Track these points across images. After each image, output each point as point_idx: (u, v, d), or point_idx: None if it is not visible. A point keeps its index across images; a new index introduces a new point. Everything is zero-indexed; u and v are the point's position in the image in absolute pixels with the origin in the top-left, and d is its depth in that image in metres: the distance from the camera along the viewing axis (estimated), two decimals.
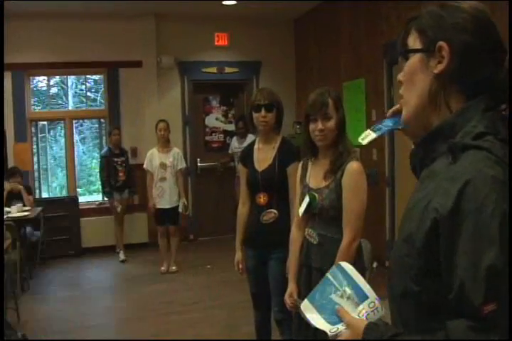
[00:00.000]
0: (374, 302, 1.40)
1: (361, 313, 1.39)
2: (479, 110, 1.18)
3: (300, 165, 3.01)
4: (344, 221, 2.71)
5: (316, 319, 1.50)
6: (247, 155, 3.59)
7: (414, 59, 1.27)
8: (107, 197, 7.61)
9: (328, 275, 1.59)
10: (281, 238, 3.33)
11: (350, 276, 1.52)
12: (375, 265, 5.96)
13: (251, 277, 3.63)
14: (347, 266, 1.57)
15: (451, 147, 1.15)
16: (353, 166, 2.73)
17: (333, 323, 1.42)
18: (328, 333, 1.39)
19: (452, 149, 1.14)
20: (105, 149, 7.60)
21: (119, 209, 7.48)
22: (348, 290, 1.47)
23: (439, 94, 1.23)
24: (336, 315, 1.42)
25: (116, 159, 7.45)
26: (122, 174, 7.45)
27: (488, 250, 1.03)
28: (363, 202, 2.73)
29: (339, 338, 1.34)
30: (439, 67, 1.21)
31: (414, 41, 1.28)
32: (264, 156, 3.48)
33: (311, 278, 2.77)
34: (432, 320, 1.13)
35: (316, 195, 2.79)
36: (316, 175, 2.86)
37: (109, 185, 7.45)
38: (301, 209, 2.86)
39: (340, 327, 1.37)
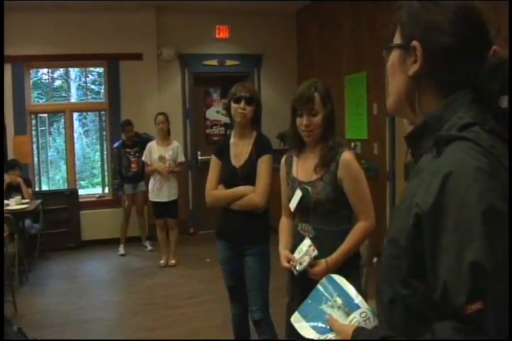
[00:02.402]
0: (366, 313, 1.36)
1: (352, 322, 1.36)
2: (466, 101, 1.14)
3: (283, 160, 2.91)
4: (358, 210, 2.68)
5: (305, 328, 1.46)
6: (222, 149, 3.50)
7: (394, 54, 1.24)
8: (116, 189, 7.59)
9: (319, 286, 1.55)
10: (258, 233, 3.38)
11: (341, 287, 1.48)
12: (375, 260, 5.92)
13: (226, 269, 3.53)
14: (338, 277, 1.54)
15: (436, 140, 1.10)
16: (347, 156, 2.65)
17: (322, 333, 1.39)
18: None
19: (437, 142, 1.10)
20: (118, 141, 7.55)
21: (125, 204, 7.48)
22: (339, 300, 1.44)
23: (413, 93, 1.20)
24: (326, 325, 1.39)
25: (128, 149, 7.40)
26: (135, 165, 7.37)
27: (470, 245, 0.97)
28: (367, 188, 2.70)
29: None
30: (413, 68, 1.18)
31: (396, 35, 1.25)
32: (239, 151, 3.42)
33: (304, 276, 2.62)
34: (421, 324, 1.07)
35: (309, 188, 2.68)
36: (304, 169, 2.77)
37: (120, 176, 7.43)
38: (293, 204, 2.74)
39: (330, 335, 1.35)
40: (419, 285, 1.07)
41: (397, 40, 1.24)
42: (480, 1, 3.77)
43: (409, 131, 1.23)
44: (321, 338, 1.36)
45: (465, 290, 0.96)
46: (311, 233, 2.69)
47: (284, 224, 2.95)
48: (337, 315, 1.39)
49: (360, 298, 1.41)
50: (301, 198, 2.69)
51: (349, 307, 1.40)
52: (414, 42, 1.16)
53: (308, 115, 2.65)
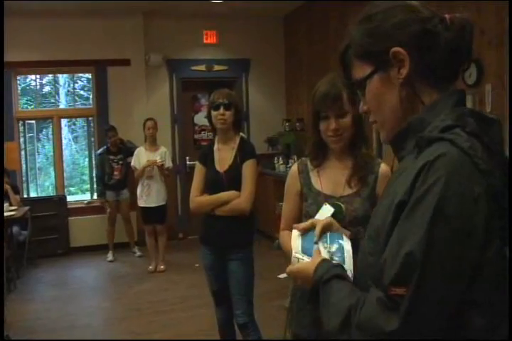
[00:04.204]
0: (348, 271, 1.40)
1: None
2: (449, 104, 1.17)
3: (295, 169, 2.48)
4: None
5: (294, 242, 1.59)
6: (206, 155, 3.56)
7: (373, 82, 1.24)
8: (98, 195, 7.60)
9: (328, 232, 1.62)
10: (242, 237, 3.43)
11: (342, 244, 1.56)
12: None
13: (210, 274, 3.57)
14: (348, 241, 1.59)
15: (417, 142, 1.14)
16: (385, 169, 2.32)
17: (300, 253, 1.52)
18: (293, 255, 1.52)
19: (419, 144, 1.14)
20: (103, 147, 7.53)
21: (107, 211, 7.46)
22: (334, 249, 1.53)
23: (410, 97, 1.21)
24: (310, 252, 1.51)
25: (112, 157, 7.36)
26: (118, 172, 7.33)
27: (412, 236, 1.03)
28: None
29: (295, 265, 1.46)
30: (403, 73, 1.19)
31: (361, 69, 1.26)
32: (223, 156, 3.49)
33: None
34: None
35: (342, 204, 2.26)
36: (331, 181, 2.36)
37: (102, 183, 7.40)
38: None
39: (305, 258, 1.46)
40: None
41: (366, 71, 1.25)
42: (464, 2, 3.78)
43: (394, 134, 1.26)
44: (296, 255, 1.49)
45: (393, 273, 1.04)
46: None
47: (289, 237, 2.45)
48: (324, 254, 1.48)
49: (351, 260, 1.47)
50: (332, 215, 2.18)
51: (337, 259, 1.49)
52: (394, 49, 1.17)
53: (336, 117, 2.24)
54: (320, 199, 2.32)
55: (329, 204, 2.25)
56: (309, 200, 2.37)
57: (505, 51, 4.25)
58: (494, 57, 4.44)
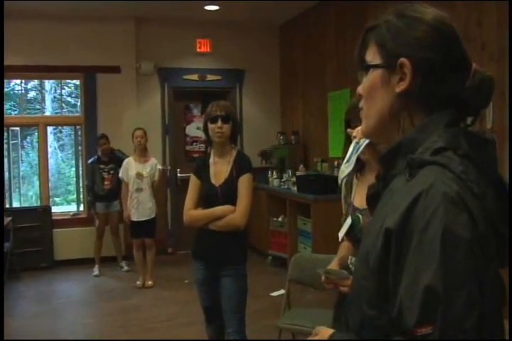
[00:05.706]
0: None
1: None
2: (441, 125, 1.16)
3: (343, 182, 2.51)
4: None
5: None
6: (202, 168, 3.53)
7: (375, 74, 1.23)
8: (88, 207, 7.45)
9: None
10: (236, 253, 3.42)
11: None
12: None
13: (202, 289, 3.52)
14: None
15: (409, 163, 1.13)
16: None
17: None
18: None
19: (410, 165, 1.12)
20: (94, 157, 7.33)
21: (96, 224, 7.26)
22: None
23: (401, 112, 1.20)
24: None
25: (103, 166, 7.17)
26: (108, 182, 7.13)
27: (427, 269, 1.00)
28: None
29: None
30: (401, 86, 1.17)
31: (373, 55, 1.23)
32: (219, 170, 3.46)
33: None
34: None
35: (361, 216, 2.32)
36: (363, 193, 2.21)
37: (92, 194, 7.21)
38: (341, 232, 2.40)
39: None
40: (385, 307, 1.08)
41: (375, 59, 1.22)
42: (465, 17, 3.69)
43: (384, 152, 1.26)
44: None
45: (416, 313, 0.99)
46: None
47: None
48: None
49: None
50: (351, 227, 2.35)
51: None
52: (403, 60, 1.16)
53: None
54: (350, 210, 2.41)
55: (351, 215, 2.36)
56: (345, 211, 2.49)
57: (506, 66, 4.24)
58: (495, 72, 4.36)
